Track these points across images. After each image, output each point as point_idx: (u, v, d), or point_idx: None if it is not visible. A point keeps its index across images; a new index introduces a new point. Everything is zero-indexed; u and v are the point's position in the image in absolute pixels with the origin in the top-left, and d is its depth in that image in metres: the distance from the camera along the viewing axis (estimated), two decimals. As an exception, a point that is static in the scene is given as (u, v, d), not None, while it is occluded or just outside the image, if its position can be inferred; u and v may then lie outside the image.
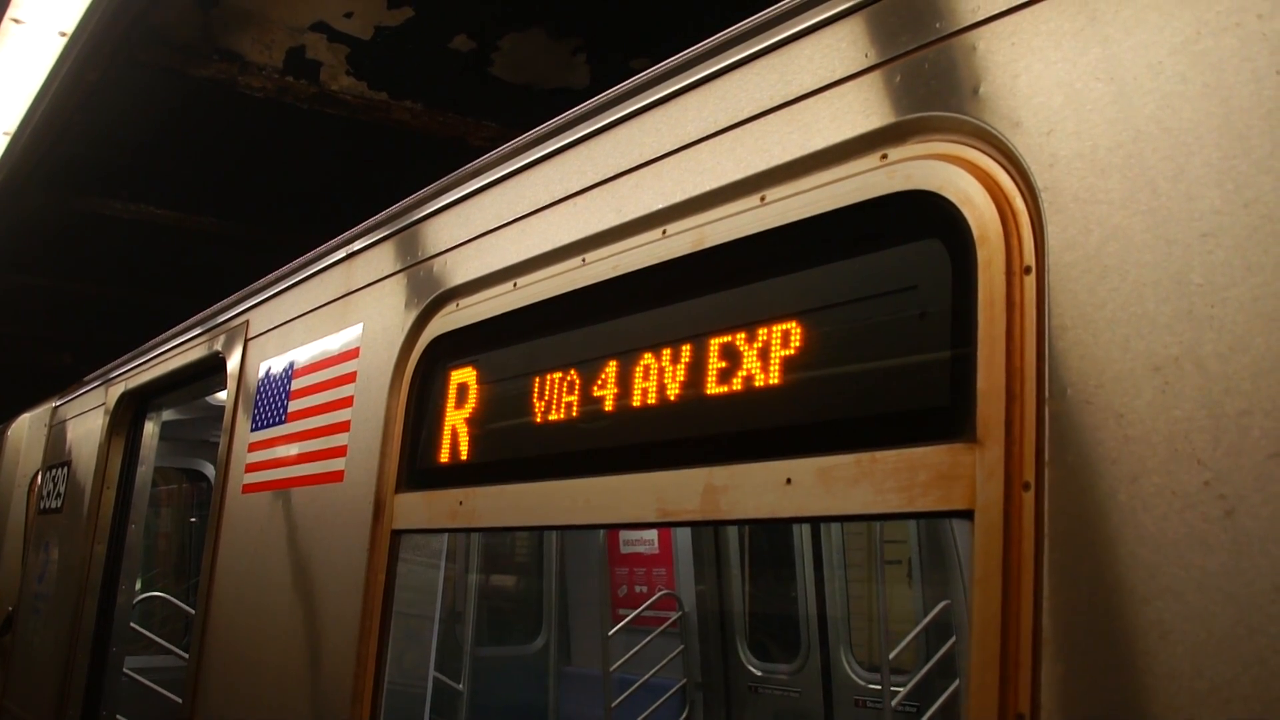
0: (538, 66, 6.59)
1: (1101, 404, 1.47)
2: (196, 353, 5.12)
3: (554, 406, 2.59)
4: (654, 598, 9.54)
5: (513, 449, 2.73)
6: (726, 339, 2.15)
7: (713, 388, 2.16)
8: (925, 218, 1.82)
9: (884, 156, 1.92)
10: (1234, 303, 1.36)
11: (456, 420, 2.92)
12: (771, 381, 2.04)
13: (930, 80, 1.85)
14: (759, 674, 9.13)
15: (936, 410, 1.75)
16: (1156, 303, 1.44)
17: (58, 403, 7.91)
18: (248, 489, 4.11)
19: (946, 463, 1.68)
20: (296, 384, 3.90)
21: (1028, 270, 1.63)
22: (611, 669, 9.19)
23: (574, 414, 2.53)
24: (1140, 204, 1.48)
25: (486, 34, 6.28)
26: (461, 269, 3.07)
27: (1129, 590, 1.40)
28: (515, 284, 2.84)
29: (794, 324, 2.02)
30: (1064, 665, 1.46)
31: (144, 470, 6.21)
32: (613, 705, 9.11)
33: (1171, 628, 1.35)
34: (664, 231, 2.39)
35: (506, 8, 6.04)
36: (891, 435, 1.80)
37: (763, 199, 2.15)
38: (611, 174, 2.58)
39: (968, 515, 1.63)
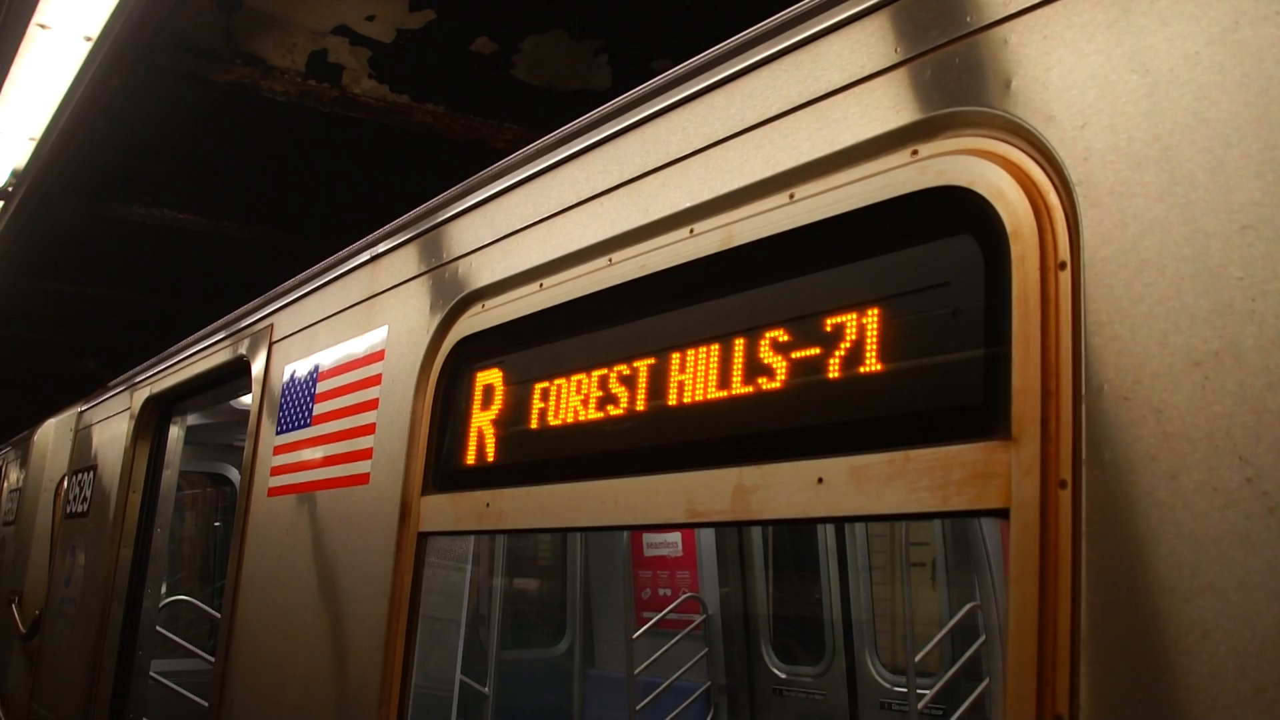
0: (559, 68, 6.59)
1: (1140, 400, 1.45)
2: (221, 357, 5.13)
3: (582, 407, 2.58)
4: (678, 600, 9.54)
5: (540, 450, 2.72)
6: (756, 338, 2.14)
7: (742, 387, 2.15)
8: (957, 214, 1.80)
9: (915, 152, 1.91)
10: (1275, 296, 1.34)
11: (483, 422, 2.91)
12: (802, 380, 2.03)
13: (961, 75, 1.84)
14: (783, 676, 9.11)
15: (970, 408, 1.73)
16: (1195, 297, 1.42)
17: (83, 408, 7.95)
18: (273, 492, 4.11)
19: (981, 461, 1.66)
20: (321, 387, 3.90)
21: (1062, 266, 1.61)
22: (636, 672, 9.19)
23: (602, 414, 2.52)
24: (1177, 197, 1.46)
25: (508, 36, 6.28)
26: (487, 270, 3.06)
27: (1169, 589, 1.38)
28: (541, 285, 2.84)
29: (824, 322, 2.01)
30: (1103, 665, 1.44)
31: (169, 474, 6.23)
32: (637, 708, 9.11)
33: (1213, 627, 1.33)
34: (691, 230, 2.38)
35: (527, 9, 6.04)
36: (925, 434, 1.78)
37: (792, 196, 2.14)
38: (637, 173, 2.56)
39: (1003, 514, 1.61)
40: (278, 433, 4.19)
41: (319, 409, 3.88)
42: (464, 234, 3.23)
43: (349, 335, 3.79)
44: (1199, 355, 1.40)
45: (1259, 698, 1.27)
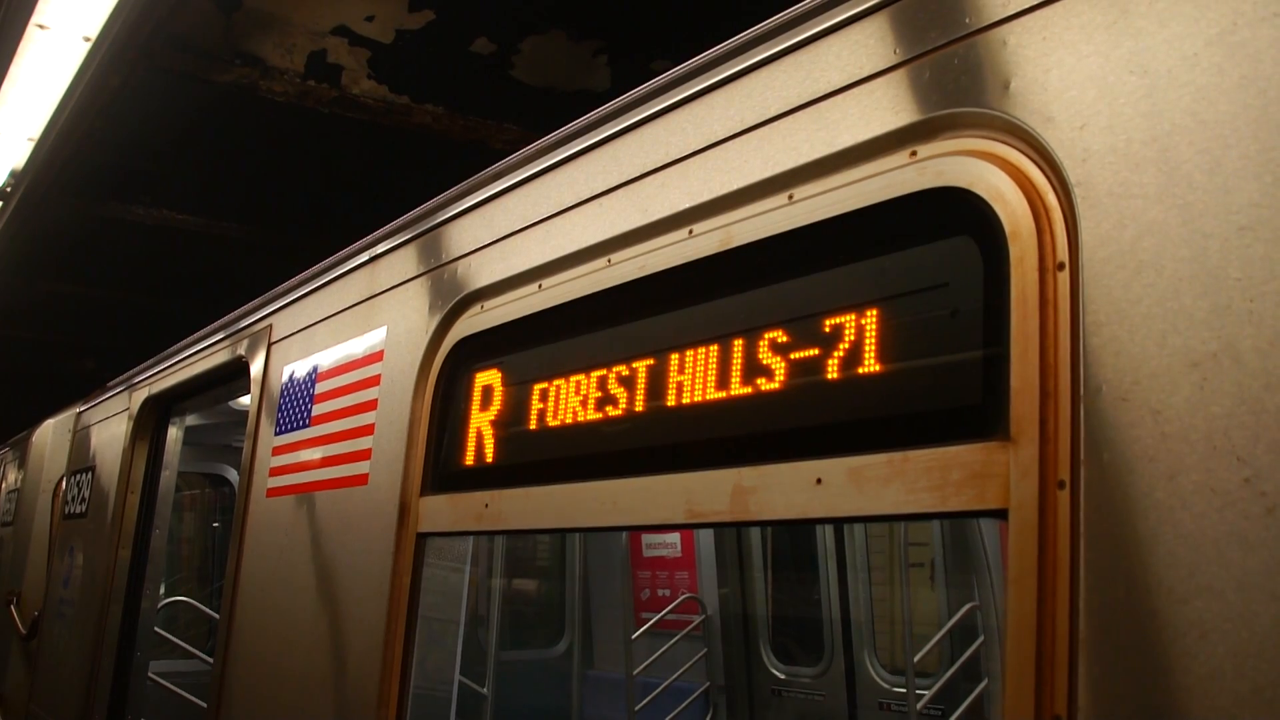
0: (558, 69, 6.59)
1: (1138, 401, 1.45)
2: (220, 357, 5.13)
3: (581, 408, 2.58)
4: (677, 601, 9.53)
5: (539, 451, 2.72)
6: (755, 339, 2.14)
7: (741, 388, 2.15)
8: (956, 214, 1.81)
9: (914, 153, 1.91)
10: (1273, 297, 1.34)
11: (482, 422, 2.91)
12: (801, 381, 2.03)
13: (960, 76, 1.84)
14: (782, 677, 9.10)
15: (969, 409, 1.73)
16: (1193, 298, 1.42)
17: (82, 408, 7.94)
18: (272, 493, 4.11)
19: (980, 461, 1.66)
20: (320, 387, 3.90)
21: (1061, 266, 1.62)
22: (635, 673, 9.19)
23: (601, 415, 2.52)
24: (1175, 198, 1.46)
25: (507, 37, 6.28)
26: (486, 271, 3.06)
27: (1167, 590, 1.38)
28: (540, 285, 2.84)
29: (823, 323, 2.01)
30: (1101, 666, 1.44)
31: (168, 475, 6.22)
32: (636, 709, 9.10)
33: (1212, 627, 1.33)
34: (690, 231, 2.38)
35: (527, 10, 6.04)
36: (923, 434, 1.78)
37: (790, 197, 2.14)
38: (637, 174, 2.56)
39: (1002, 515, 1.62)
40: (276, 433, 4.19)
41: (318, 410, 3.88)
42: (463, 235, 3.23)
43: (348, 336, 3.79)
44: (1197, 356, 1.40)
45: (1257, 698, 1.27)
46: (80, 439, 7.75)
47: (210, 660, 5.74)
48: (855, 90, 2.04)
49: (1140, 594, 1.41)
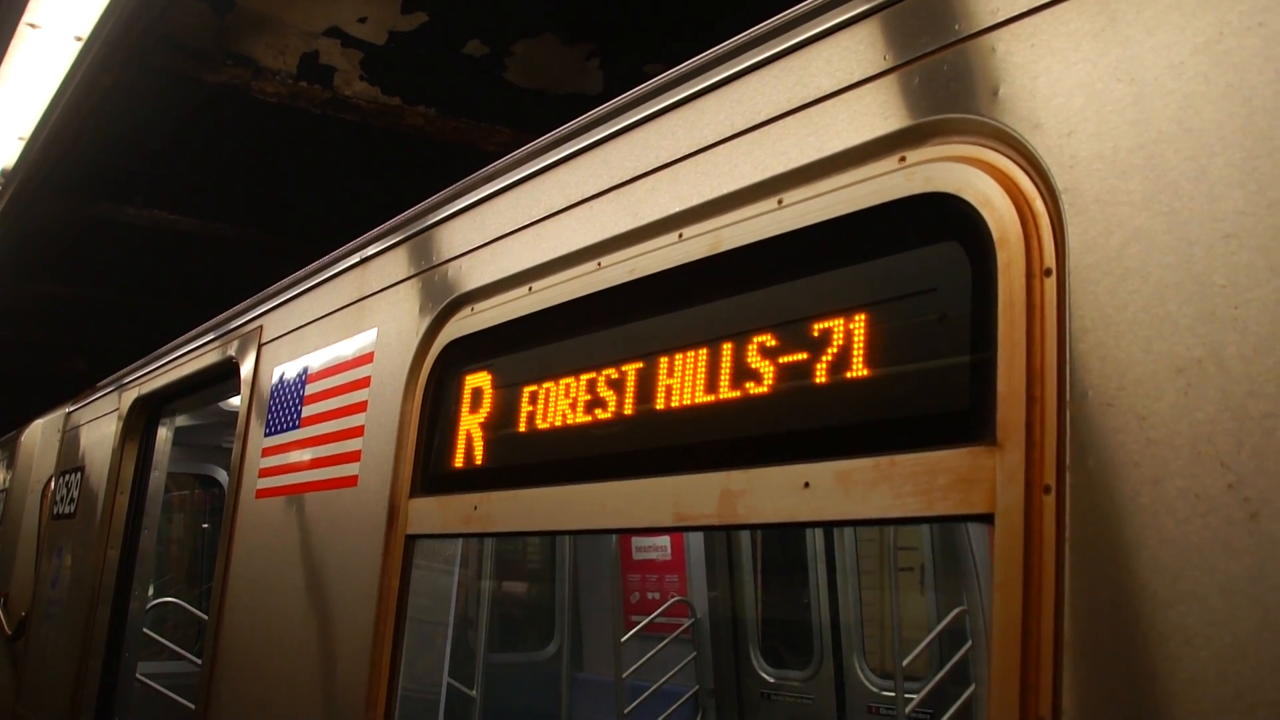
0: (551, 72, 6.59)
1: (1123, 406, 1.46)
2: (210, 358, 5.13)
3: (570, 410, 2.59)
4: (666, 604, 9.52)
5: (528, 453, 2.72)
6: (743, 342, 2.14)
7: (730, 391, 2.15)
8: (944, 220, 1.81)
9: (902, 159, 1.91)
10: (1257, 304, 1.35)
11: (471, 425, 2.91)
12: (789, 385, 2.03)
13: (949, 82, 1.85)
14: (772, 681, 9.10)
15: (956, 413, 1.74)
16: (1179, 304, 1.43)
17: (71, 408, 7.93)
18: (261, 494, 4.11)
19: (966, 466, 1.67)
20: (310, 389, 3.90)
21: (1048, 272, 1.62)
22: (624, 676, 9.18)
23: (590, 418, 2.52)
24: (1162, 205, 1.47)
25: (500, 39, 6.28)
26: (476, 273, 3.06)
27: (1151, 594, 1.39)
28: (530, 288, 2.84)
29: (812, 327, 2.01)
30: (1086, 670, 1.45)
31: (157, 475, 6.21)
32: (625, 712, 9.09)
33: (1195, 632, 1.34)
34: (680, 235, 2.38)
35: (520, 13, 6.04)
36: (911, 439, 1.79)
37: (780, 202, 2.15)
38: (627, 178, 2.57)
39: (988, 519, 1.62)
40: (266, 435, 4.19)
41: (307, 411, 3.88)
42: (454, 237, 3.23)
43: (338, 337, 3.79)
44: (1182, 362, 1.41)
45: (1239, 703, 1.28)
46: (69, 439, 7.73)
47: (199, 662, 5.73)
48: (845, 95, 2.05)
49: (1125, 598, 1.42)
